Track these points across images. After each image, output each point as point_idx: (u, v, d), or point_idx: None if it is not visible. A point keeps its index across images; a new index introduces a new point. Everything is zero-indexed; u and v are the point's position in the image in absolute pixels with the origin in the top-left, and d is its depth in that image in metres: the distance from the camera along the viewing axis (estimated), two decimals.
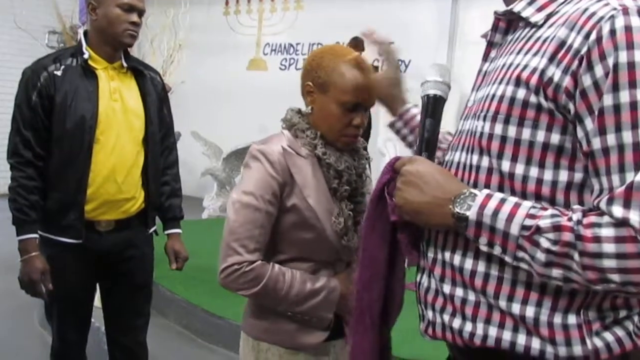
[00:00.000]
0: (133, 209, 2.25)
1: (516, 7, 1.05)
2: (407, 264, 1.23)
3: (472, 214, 0.96)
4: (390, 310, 1.29)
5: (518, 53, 1.01)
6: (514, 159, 0.98)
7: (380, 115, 6.94)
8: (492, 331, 1.01)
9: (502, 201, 0.95)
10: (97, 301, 2.43)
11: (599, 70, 0.90)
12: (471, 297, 1.04)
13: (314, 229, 1.49)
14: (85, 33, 2.21)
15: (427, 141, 1.13)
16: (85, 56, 2.12)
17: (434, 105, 1.16)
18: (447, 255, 1.07)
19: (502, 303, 1.00)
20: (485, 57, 1.15)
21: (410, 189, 1.03)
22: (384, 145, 6.63)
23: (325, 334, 1.54)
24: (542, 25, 1.01)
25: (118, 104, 2.17)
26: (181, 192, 2.47)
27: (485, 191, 0.98)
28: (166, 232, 2.42)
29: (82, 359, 2.39)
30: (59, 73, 2.10)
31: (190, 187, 8.41)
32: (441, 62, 7.28)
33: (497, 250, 0.96)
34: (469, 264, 1.04)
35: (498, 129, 0.99)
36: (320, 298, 1.49)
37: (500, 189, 0.99)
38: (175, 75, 4.04)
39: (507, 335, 1.00)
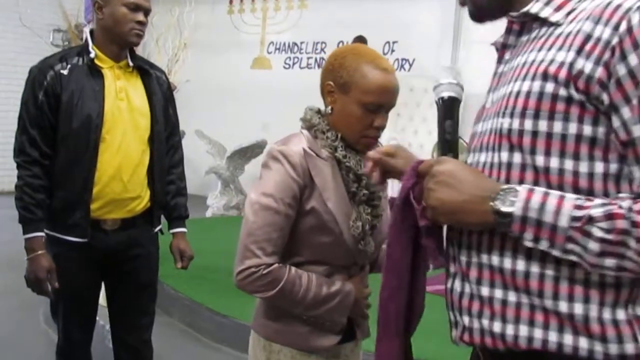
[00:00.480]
0: (139, 208, 2.25)
1: (533, 9, 1.05)
2: (432, 267, 1.20)
3: (517, 209, 0.94)
4: (412, 317, 1.26)
5: (540, 50, 1.01)
6: (548, 153, 0.97)
7: None
8: (538, 333, 0.99)
9: (546, 194, 0.94)
10: (102, 299, 2.43)
11: (633, 59, 0.91)
12: (512, 297, 1.02)
13: (331, 233, 1.47)
14: (92, 32, 2.21)
15: (450, 142, 1.12)
16: (92, 55, 2.13)
17: (451, 107, 1.15)
18: (484, 256, 1.05)
19: (548, 302, 0.99)
20: (500, 60, 1.16)
21: (444, 189, 1.01)
22: (388, 144, 6.62)
23: (338, 337, 1.53)
24: (562, 23, 1.02)
25: (124, 103, 2.16)
26: (186, 191, 2.47)
27: (526, 186, 0.96)
28: (171, 231, 2.42)
29: (87, 357, 2.39)
30: (65, 72, 2.10)
31: (194, 185, 8.43)
32: (445, 62, 7.27)
33: (543, 245, 0.95)
34: (508, 263, 1.02)
35: (528, 124, 0.98)
36: (336, 302, 1.49)
37: (536, 183, 0.98)
38: (180, 74, 4.04)
39: (553, 337, 0.98)
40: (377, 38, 7.34)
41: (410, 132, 7.05)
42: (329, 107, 1.52)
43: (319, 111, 1.56)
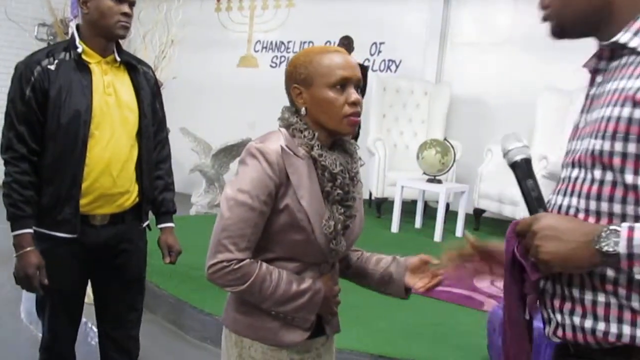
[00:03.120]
0: (127, 203, 2.25)
1: (622, 39, 1.14)
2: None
3: (621, 248, 1.03)
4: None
5: (629, 78, 1.10)
6: (636, 172, 1.07)
7: (370, 113, 6.97)
8: (626, 329, 1.09)
9: None
10: (88, 298, 2.42)
11: None
12: (601, 298, 1.12)
13: (303, 231, 1.49)
14: (78, 27, 2.20)
15: (537, 199, 1.22)
16: (79, 50, 2.12)
17: (527, 168, 1.27)
18: None
19: (635, 304, 1.09)
20: (592, 83, 1.24)
21: (551, 243, 1.09)
22: (374, 145, 6.65)
23: (307, 333, 1.56)
24: None
25: (112, 98, 2.16)
26: (174, 187, 2.47)
27: (625, 225, 1.05)
28: (159, 226, 2.42)
29: (71, 354, 2.38)
30: (52, 67, 2.09)
31: (179, 183, 8.36)
32: (432, 64, 7.30)
33: None
34: (598, 269, 1.11)
35: (618, 146, 1.08)
36: (305, 299, 1.51)
37: (625, 199, 1.09)
38: (166, 71, 4.02)
39: None
40: (364, 39, 7.36)
41: (396, 133, 7.08)
42: (303, 109, 1.53)
43: (296, 111, 1.56)
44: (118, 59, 2.20)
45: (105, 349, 2.43)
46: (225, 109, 8.50)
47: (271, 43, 8.49)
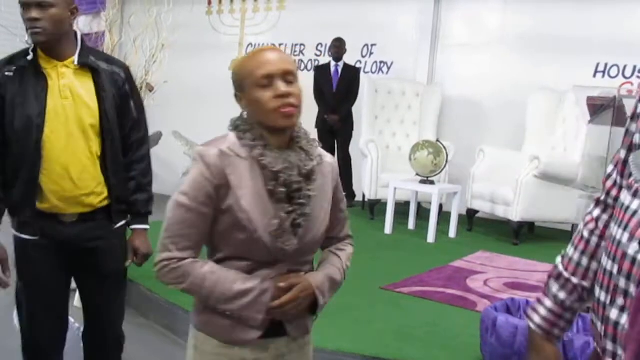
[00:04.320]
0: (96, 202, 2.26)
1: None
2: None
3: None
4: None
5: None
6: None
7: (362, 115, 6.98)
8: None
9: None
10: (78, 302, 2.43)
11: None
12: None
13: (246, 230, 1.51)
14: None
15: None
16: (29, 57, 2.14)
17: None
18: None
19: None
20: None
21: None
22: (366, 147, 6.65)
23: (258, 332, 1.56)
24: None
25: (68, 102, 2.16)
26: (150, 187, 2.42)
27: None
28: (130, 227, 2.41)
29: (54, 353, 2.39)
30: (10, 74, 2.13)
31: (171, 186, 8.33)
32: (423, 65, 7.31)
33: None
34: None
35: None
36: (250, 299, 1.52)
37: None
38: (158, 75, 4.02)
39: None
40: (355, 40, 7.37)
41: (388, 134, 7.09)
42: (245, 112, 1.61)
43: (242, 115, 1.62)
44: (76, 62, 2.18)
45: (85, 344, 2.46)
46: (217, 113, 8.43)
47: (263, 45, 8.48)
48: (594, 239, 1.29)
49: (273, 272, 1.56)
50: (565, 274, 1.33)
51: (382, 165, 6.53)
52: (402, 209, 6.32)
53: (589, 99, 4.35)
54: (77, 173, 2.18)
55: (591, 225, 1.31)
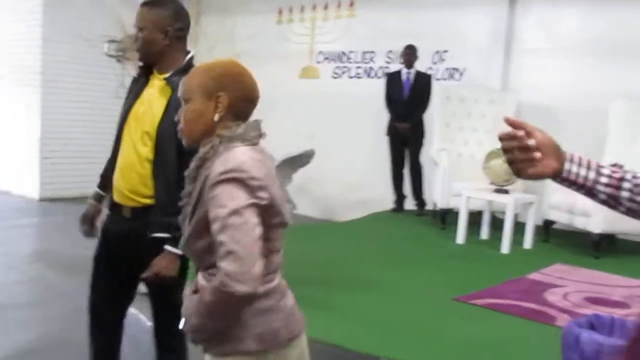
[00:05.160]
0: (149, 202, 2.33)
1: None
2: None
3: None
4: None
5: None
6: None
7: (434, 123, 6.88)
8: None
9: None
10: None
11: None
12: None
13: None
14: None
15: None
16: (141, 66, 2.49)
17: None
18: None
19: None
20: None
21: None
22: (438, 155, 6.55)
23: None
24: None
25: (143, 108, 2.35)
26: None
27: None
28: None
29: (102, 337, 2.53)
30: (136, 76, 2.50)
31: None
32: (497, 71, 7.14)
33: None
34: None
35: None
36: None
37: None
38: None
39: None
40: (426, 47, 7.28)
41: (460, 142, 6.95)
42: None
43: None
44: (166, 78, 2.36)
45: (155, 345, 2.53)
46: (287, 120, 8.55)
47: (332, 54, 8.50)
48: None
49: None
50: None
51: (454, 174, 6.41)
52: (474, 218, 6.17)
53: None
54: (127, 170, 2.35)
55: None
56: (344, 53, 8.40)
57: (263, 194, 1.48)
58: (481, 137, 6.91)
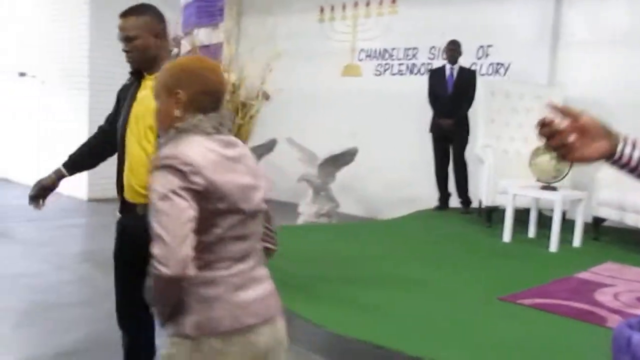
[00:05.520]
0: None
1: None
2: None
3: None
4: None
5: None
6: None
7: (478, 119, 6.77)
8: None
9: None
10: None
11: None
12: None
13: None
14: None
15: None
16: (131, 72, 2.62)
17: None
18: None
19: None
20: None
21: None
22: (483, 152, 6.44)
23: None
24: None
25: (142, 108, 2.43)
26: None
27: None
28: None
29: (129, 325, 2.65)
30: (127, 82, 2.64)
31: (286, 192, 8.50)
32: (543, 66, 6.98)
33: None
34: None
35: None
36: None
37: None
38: (273, 83, 4.10)
39: None
40: (470, 42, 7.17)
41: (506, 139, 6.82)
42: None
43: None
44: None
45: None
46: (330, 119, 8.56)
47: (375, 51, 8.46)
48: None
49: None
50: None
51: (500, 171, 6.30)
52: (521, 215, 6.05)
53: None
54: (136, 167, 2.43)
55: None
56: (386, 50, 8.35)
57: (197, 179, 1.51)
58: (527, 133, 6.76)
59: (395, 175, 8.00)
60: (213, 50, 4.07)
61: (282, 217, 7.77)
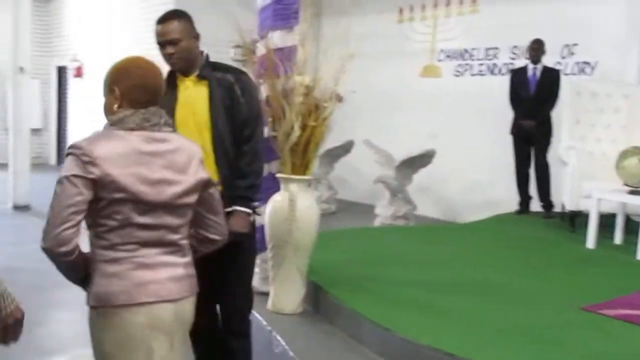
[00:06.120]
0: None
1: None
2: None
3: None
4: None
5: None
6: None
7: (562, 120, 6.52)
8: None
9: None
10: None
11: None
12: None
13: None
14: None
15: None
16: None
17: None
18: None
19: None
20: None
21: None
22: (566, 153, 6.20)
23: None
24: None
25: (189, 108, 2.55)
26: (254, 176, 2.65)
27: None
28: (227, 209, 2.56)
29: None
30: None
31: (362, 194, 8.50)
32: (632, 64, 6.66)
33: None
34: None
35: None
36: None
37: None
38: (347, 84, 4.09)
39: None
40: (554, 41, 6.92)
41: (592, 140, 6.53)
42: None
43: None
44: (196, 75, 2.59)
45: (223, 330, 2.74)
46: (407, 120, 8.47)
47: (455, 51, 8.31)
48: None
49: None
50: None
51: (584, 174, 6.03)
52: (606, 221, 5.78)
53: None
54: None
55: None
56: (466, 50, 8.19)
57: (93, 169, 1.66)
58: (615, 134, 6.45)
59: (475, 177, 7.83)
60: (287, 52, 4.10)
61: (359, 219, 7.77)
